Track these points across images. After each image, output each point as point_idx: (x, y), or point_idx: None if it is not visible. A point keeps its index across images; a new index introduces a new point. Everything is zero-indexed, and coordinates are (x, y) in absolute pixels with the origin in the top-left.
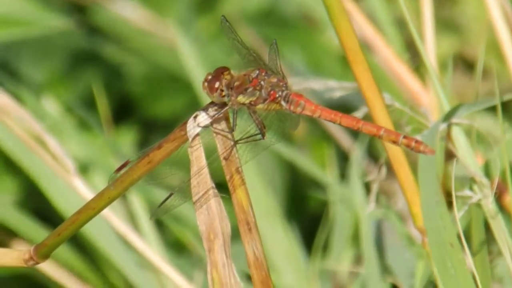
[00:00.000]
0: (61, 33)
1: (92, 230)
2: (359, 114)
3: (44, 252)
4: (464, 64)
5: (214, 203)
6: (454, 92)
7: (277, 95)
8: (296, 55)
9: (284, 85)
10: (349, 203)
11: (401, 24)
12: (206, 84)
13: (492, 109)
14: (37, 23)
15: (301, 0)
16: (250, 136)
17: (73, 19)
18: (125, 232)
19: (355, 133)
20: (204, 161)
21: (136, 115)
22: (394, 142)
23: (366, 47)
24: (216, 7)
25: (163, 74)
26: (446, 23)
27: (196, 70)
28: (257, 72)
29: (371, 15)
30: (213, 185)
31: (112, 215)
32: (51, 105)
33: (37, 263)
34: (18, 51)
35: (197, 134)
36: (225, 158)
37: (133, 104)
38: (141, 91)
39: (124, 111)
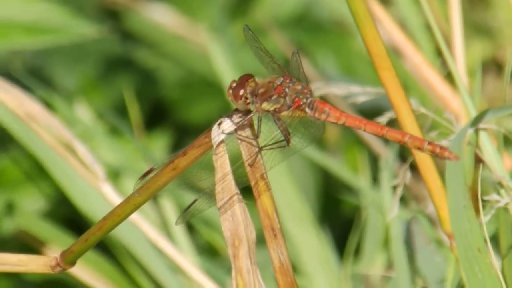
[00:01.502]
0: (94, 39)
1: (123, 235)
2: (384, 119)
3: (70, 258)
4: (497, 68)
5: (239, 209)
6: (486, 96)
7: (301, 102)
8: (329, 60)
9: (309, 92)
10: (381, 207)
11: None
12: (230, 91)
13: None
14: (69, 30)
15: (333, 6)
16: (275, 143)
17: (106, 25)
18: (156, 236)
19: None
20: (228, 168)
21: (169, 120)
22: (419, 149)
23: (395, 52)
24: (249, 12)
25: (196, 80)
26: (479, 27)
27: (228, 76)
28: (282, 79)
29: (401, 21)
30: (238, 191)
31: (143, 220)
32: (83, 111)
33: (64, 269)
34: (50, 57)
35: (222, 141)
36: (250, 165)
37: (166, 109)
38: (174, 96)
39: (157, 116)
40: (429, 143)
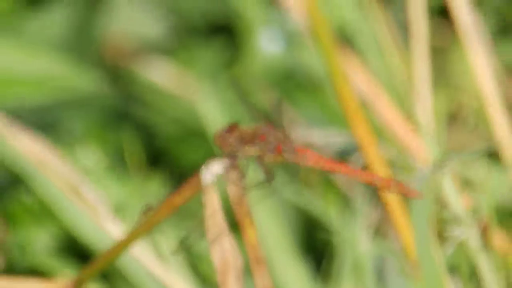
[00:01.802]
0: (98, 95)
1: (125, 267)
2: (354, 162)
3: (80, 285)
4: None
5: (227, 241)
6: (451, 142)
7: (282, 149)
8: (310, 110)
9: (289, 140)
10: (352, 242)
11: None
12: (218, 138)
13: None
14: (76, 86)
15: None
16: (258, 184)
17: (107, 83)
18: (154, 266)
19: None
20: (217, 206)
21: (165, 165)
22: (387, 188)
23: (364, 102)
24: (236, 70)
25: (188, 131)
26: (445, 81)
27: (215, 127)
28: (264, 128)
29: (372, 72)
30: (226, 225)
31: (143, 251)
32: (88, 157)
33: None
34: (58, 110)
35: (211, 182)
36: (236, 203)
37: (162, 157)
38: (168, 146)
39: (154, 162)
40: (396, 183)
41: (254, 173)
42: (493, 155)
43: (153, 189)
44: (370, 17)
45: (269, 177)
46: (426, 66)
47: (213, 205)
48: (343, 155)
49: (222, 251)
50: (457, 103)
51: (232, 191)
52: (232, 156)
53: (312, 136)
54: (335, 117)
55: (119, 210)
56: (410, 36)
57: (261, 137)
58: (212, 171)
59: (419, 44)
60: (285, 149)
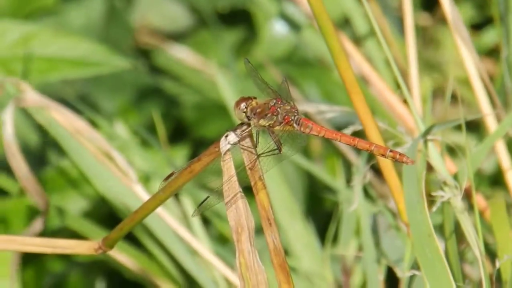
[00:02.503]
0: (129, 72)
1: (150, 225)
2: (349, 130)
3: (110, 243)
4: (444, 95)
5: (241, 203)
6: (437, 117)
7: (290, 119)
8: (312, 88)
9: (296, 111)
10: (353, 202)
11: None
12: (235, 104)
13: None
14: (109, 63)
15: (316, 46)
16: (269, 151)
17: (139, 60)
18: (177, 226)
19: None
20: (233, 171)
21: (188, 136)
22: (383, 155)
23: (364, 81)
24: (251, 51)
25: (209, 104)
26: (430, 63)
27: (232, 101)
28: (275, 101)
29: (368, 56)
30: (240, 189)
31: (166, 213)
32: (120, 128)
33: (105, 251)
34: (94, 86)
35: (228, 150)
36: (250, 168)
37: (185, 127)
38: (192, 117)
39: (178, 133)
40: (391, 151)
41: (266, 141)
42: (473, 125)
43: (177, 157)
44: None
45: (279, 145)
46: (414, 48)
47: (229, 171)
48: (342, 125)
49: (237, 212)
50: (442, 80)
51: (246, 158)
52: (246, 126)
53: (314, 109)
54: (335, 93)
55: (148, 176)
56: (401, 23)
57: (272, 109)
58: (229, 139)
59: (408, 28)
60: (292, 120)
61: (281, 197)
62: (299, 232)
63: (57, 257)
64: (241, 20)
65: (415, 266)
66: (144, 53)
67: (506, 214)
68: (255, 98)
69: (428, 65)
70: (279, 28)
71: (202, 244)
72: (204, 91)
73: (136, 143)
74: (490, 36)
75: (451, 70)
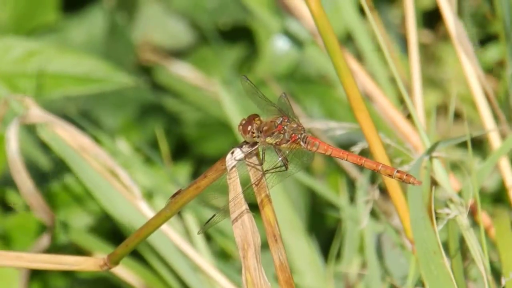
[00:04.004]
0: (131, 89)
1: (155, 242)
2: (357, 148)
3: (115, 259)
4: (446, 112)
5: (247, 219)
6: (439, 134)
7: (297, 137)
8: (315, 105)
9: (303, 130)
10: (357, 219)
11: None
12: (240, 127)
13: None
14: (112, 80)
15: (318, 63)
16: (275, 168)
17: (141, 77)
18: (181, 243)
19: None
20: (239, 187)
21: (190, 153)
22: (390, 175)
23: (367, 98)
24: (253, 68)
25: (211, 121)
26: (432, 80)
27: (236, 118)
28: (281, 119)
29: (372, 74)
30: (247, 206)
31: (171, 230)
32: (123, 145)
33: (110, 268)
34: (97, 103)
35: (234, 166)
36: (256, 185)
37: (187, 144)
38: (193, 134)
39: (180, 150)
40: (398, 171)
41: (272, 159)
42: (476, 141)
43: (180, 173)
44: (368, 21)
45: (285, 162)
46: (418, 64)
47: (235, 187)
48: (346, 143)
49: (243, 229)
50: (444, 97)
51: (252, 174)
52: (252, 144)
53: (318, 125)
54: (337, 110)
55: (151, 192)
56: (404, 39)
57: (279, 127)
58: (235, 156)
59: (412, 46)
60: (299, 138)
61: (284, 214)
62: (302, 249)
63: (60, 273)
64: (243, 36)
65: (419, 283)
66: (146, 70)
67: (511, 233)
68: (257, 115)
69: (429, 82)
70: (281, 44)
71: (205, 260)
72: (206, 108)
73: (139, 160)
74: (491, 53)
75: (453, 87)
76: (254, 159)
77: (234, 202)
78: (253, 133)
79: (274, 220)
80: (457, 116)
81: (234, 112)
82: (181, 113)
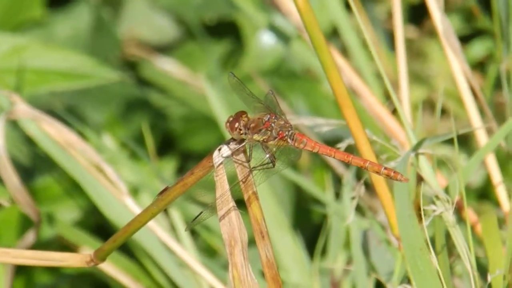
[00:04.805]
0: (116, 84)
1: (142, 238)
2: (343, 144)
3: (102, 255)
4: (431, 107)
5: (234, 216)
6: (424, 130)
7: (284, 134)
8: (300, 101)
9: (290, 127)
10: (342, 215)
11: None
12: (228, 124)
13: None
14: (97, 76)
15: (303, 58)
16: (263, 165)
17: (126, 73)
18: (167, 239)
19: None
20: (226, 185)
21: (176, 149)
22: (377, 172)
23: (353, 94)
24: (238, 63)
25: (197, 116)
26: (418, 75)
27: (222, 113)
28: (269, 116)
29: (358, 71)
30: (234, 203)
31: (157, 226)
32: (109, 140)
33: (96, 264)
34: (83, 98)
35: (221, 163)
36: (243, 182)
37: (173, 140)
38: (179, 129)
39: (166, 145)
40: (385, 168)
41: (259, 156)
42: (462, 137)
43: (165, 169)
44: (354, 16)
45: (272, 159)
46: (404, 61)
47: (223, 184)
48: (332, 139)
49: (230, 226)
50: (431, 92)
51: (239, 171)
52: (239, 141)
53: (304, 121)
54: (323, 106)
55: (137, 188)
56: (390, 35)
57: (266, 124)
58: (222, 152)
59: (399, 42)
60: (287, 135)
61: (270, 210)
62: (287, 245)
63: (46, 269)
64: (229, 31)
65: (405, 279)
66: (131, 65)
67: (498, 230)
68: (245, 112)
69: (415, 78)
70: (266, 39)
71: (191, 257)
72: (192, 103)
73: (124, 155)
74: (477, 49)
75: (439, 83)
76: (241, 156)
77: (221, 199)
78: (240, 130)
79: (261, 217)
80: (443, 111)
81: (219, 107)
82: (166, 108)
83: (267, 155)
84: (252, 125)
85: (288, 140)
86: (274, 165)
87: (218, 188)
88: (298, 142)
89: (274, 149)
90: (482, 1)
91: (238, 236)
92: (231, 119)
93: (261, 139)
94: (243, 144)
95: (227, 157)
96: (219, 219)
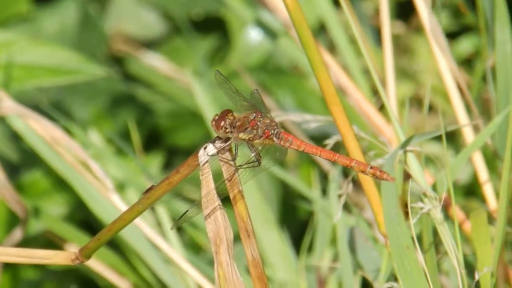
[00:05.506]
0: (103, 79)
1: (128, 235)
2: (331, 141)
3: (87, 253)
4: (418, 103)
5: (220, 215)
6: (411, 126)
7: (270, 133)
8: (287, 97)
9: (276, 125)
10: (329, 212)
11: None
12: (213, 122)
13: (440, 138)
14: (84, 72)
15: (291, 54)
16: (248, 163)
17: (113, 68)
18: (153, 236)
19: None
20: (212, 183)
21: (162, 144)
22: (363, 172)
23: (341, 91)
24: (225, 59)
25: (183, 111)
26: (405, 71)
27: (208, 109)
28: (254, 114)
29: (345, 67)
30: (219, 201)
31: (143, 223)
32: (95, 136)
33: (82, 262)
34: (69, 94)
35: (207, 161)
36: (228, 180)
37: (159, 135)
38: (165, 124)
39: (152, 141)
40: (371, 167)
41: (245, 154)
42: (450, 134)
43: (152, 164)
44: (341, 12)
45: (258, 157)
46: (391, 57)
47: (208, 183)
48: (319, 135)
49: (216, 224)
50: (418, 88)
51: (225, 170)
52: (225, 139)
53: (291, 117)
54: (309, 101)
55: (123, 184)
56: (377, 31)
57: (252, 123)
58: (208, 151)
59: (386, 39)
60: (272, 134)
61: (256, 206)
62: (273, 242)
63: (32, 265)
64: (216, 27)
65: (392, 277)
66: (118, 61)
67: (487, 227)
68: (230, 111)
69: (402, 74)
70: (254, 35)
71: (176, 253)
72: (178, 98)
73: (110, 151)
74: (464, 45)
75: (426, 79)
76: (227, 155)
77: (207, 198)
78: (226, 128)
79: (247, 215)
80: (430, 107)
81: (206, 102)
82: (153, 103)
83: (253, 154)
84: (238, 123)
85: (274, 138)
86: (259, 164)
87: (204, 186)
88: (284, 140)
89: (260, 147)
90: None
91: (223, 234)
92: (217, 117)
93: (247, 137)
94: (228, 142)
95: (212, 155)
96: (205, 217)
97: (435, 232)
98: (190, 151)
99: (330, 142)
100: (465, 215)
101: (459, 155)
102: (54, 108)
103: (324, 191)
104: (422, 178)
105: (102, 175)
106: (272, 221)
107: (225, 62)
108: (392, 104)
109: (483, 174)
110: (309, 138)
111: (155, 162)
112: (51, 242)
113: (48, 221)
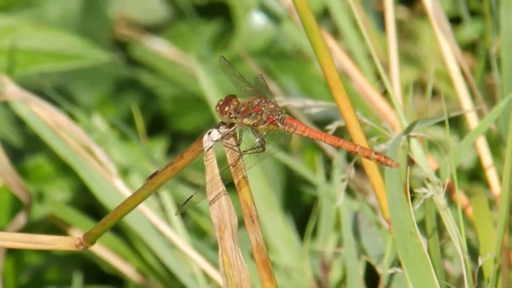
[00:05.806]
0: (106, 64)
1: (132, 221)
2: (333, 126)
3: (91, 238)
4: (422, 89)
5: (224, 200)
6: (415, 111)
7: (274, 118)
8: (290, 81)
9: (280, 111)
10: (333, 198)
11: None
12: (218, 108)
13: (444, 123)
14: (87, 56)
15: (294, 38)
16: (253, 149)
17: (117, 53)
18: (157, 221)
19: None
20: (216, 168)
21: (166, 129)
22: (367, 157)
23: (344, 76)
24: (228, 44)
25: (187, 96)
26: (408, 56)
27: (212, 94)
28: (259, 100)
29: (348, 52)
30: (224, 187)
31: (147, 208)
32: (98, 121)
33: (86, 247)
34: (73, 79)
35: (211, 147)
36: (233, 166)
37: (163, 120)
38: (169, 109)
39: (156, 125)
40: (376, 153)
41: (249, 140)
42: (454, 119)
43: (155, 150)
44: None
45: (262, 143)
46: (395, 42)
47: (212, 168)
48: (323, 120)
49: (220, 210)
50: (422, 73)
51: (229, 155)
52: (229, 125)
53: (294, 102)
54: (313, 86)
55: (127, 169)
56: (380, 16)
57: (256, 108)
58: (212, 136)
59: (389, 24)
60: (277, 119)
61: (260, 192)
62: (278, 227)
63: (35, 250)
64: (219, 12)
65: (396, 262)
66: (121, 45)
67: (489, 212)
68: (235, 96)
69: (405, 59)
70: (257, 20)
71: (180, 239)
72: (182, 83)
73: (114, 136)
74: (467, 31)
75: (430, 64)
76: (231, 140)
77: (211, 184)
78: (230, 114)
79: (251, 201)
80: (434, 92)
81: (210, 87)
82: (157, 88)
83: (257, 139)
84: (242, 109)
85: (278, 124)
86: (264, 149)
87: (208, 172)
88: (288, 126)
89: (264, 133)
90: None
91: (228, 220)
92: (221, 103)
93: (251, 123)
94: (233, 128)
95: (217, 141)
96: (209, 203)
97: (438, 218)
98: (194, 136)
99: (332, 127)
100: (469, 200)
101: (463, 140)
102: (58, 93)
103: (328, 176)
104: (426, 163)
105: (106, 160)
106: (276, 206)
107: (228, 47)
108: (395, 89)
109: (486, 159)
110: (312, 122)
111: (159, 147)
112: (54, 227)
113: (52, 206)
